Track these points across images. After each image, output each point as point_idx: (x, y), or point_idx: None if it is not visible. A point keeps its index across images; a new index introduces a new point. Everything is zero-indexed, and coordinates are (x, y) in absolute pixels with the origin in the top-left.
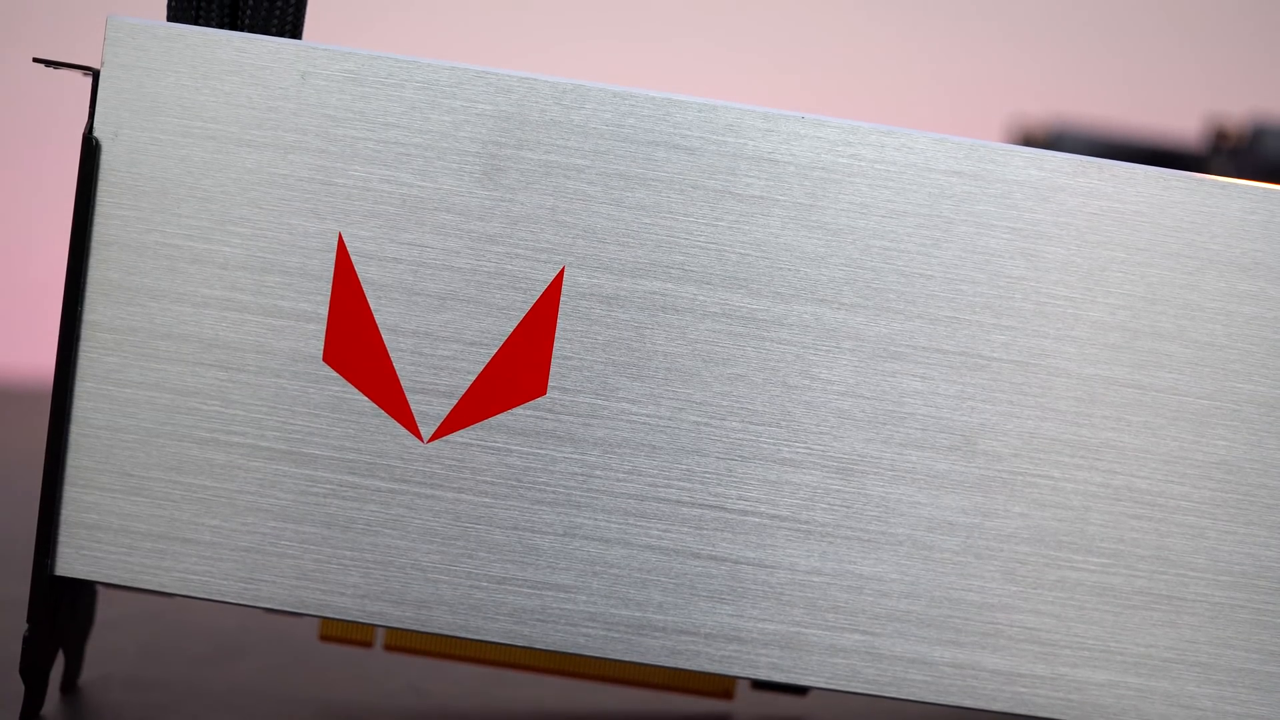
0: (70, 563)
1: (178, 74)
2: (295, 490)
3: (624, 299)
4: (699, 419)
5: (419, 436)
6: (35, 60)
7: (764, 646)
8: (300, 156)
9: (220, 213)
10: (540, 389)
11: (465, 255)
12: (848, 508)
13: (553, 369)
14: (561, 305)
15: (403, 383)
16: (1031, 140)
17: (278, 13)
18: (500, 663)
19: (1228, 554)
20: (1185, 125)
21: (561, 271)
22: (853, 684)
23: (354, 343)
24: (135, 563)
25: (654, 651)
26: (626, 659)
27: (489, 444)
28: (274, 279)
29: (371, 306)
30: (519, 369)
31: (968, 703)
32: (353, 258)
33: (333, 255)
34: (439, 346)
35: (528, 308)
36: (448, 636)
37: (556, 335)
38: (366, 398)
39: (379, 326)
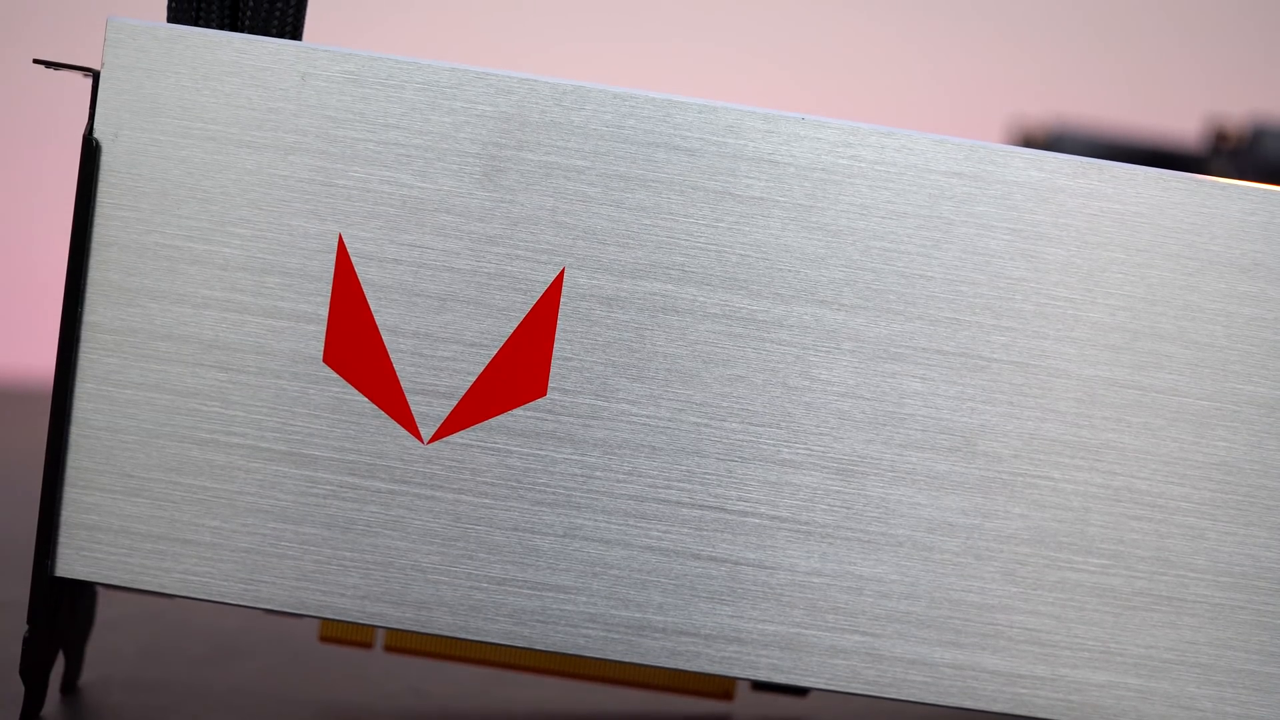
0: (70, 564)
1: (178, 75)
2: (295, 491)
3: (624, 300)
4: (699, 420)
5: (419, 438)
6: (35, 61)
7: (764, 647)
8: (300, 158)
9: (220, 214)
10: (540, 390)
11: (465, 256)
12: (848, 509)
13: (553, 370)
14: (561, 306)
15: (403, 384)
16: (1031, 141)
17: (278, 14)
18: (500, 664)
19: (1228, 555)
20: (1185, 126)
21: (561, 272)
22: (853, 685)
23: (354, 344)
24: (135, 564)
25: (654, 652)
26: (626, 660)
27: (489, 445)
28: (274, 280)
29: (372, 307)
30: (519, 370)
31: (968, 704)
32: (353, 259)
33: (333, 256)
34: (439, 347)
35: (528, 309)
36: (448, 637)
37: (556, 336)
38: (366, 399)
39: (379, 327)
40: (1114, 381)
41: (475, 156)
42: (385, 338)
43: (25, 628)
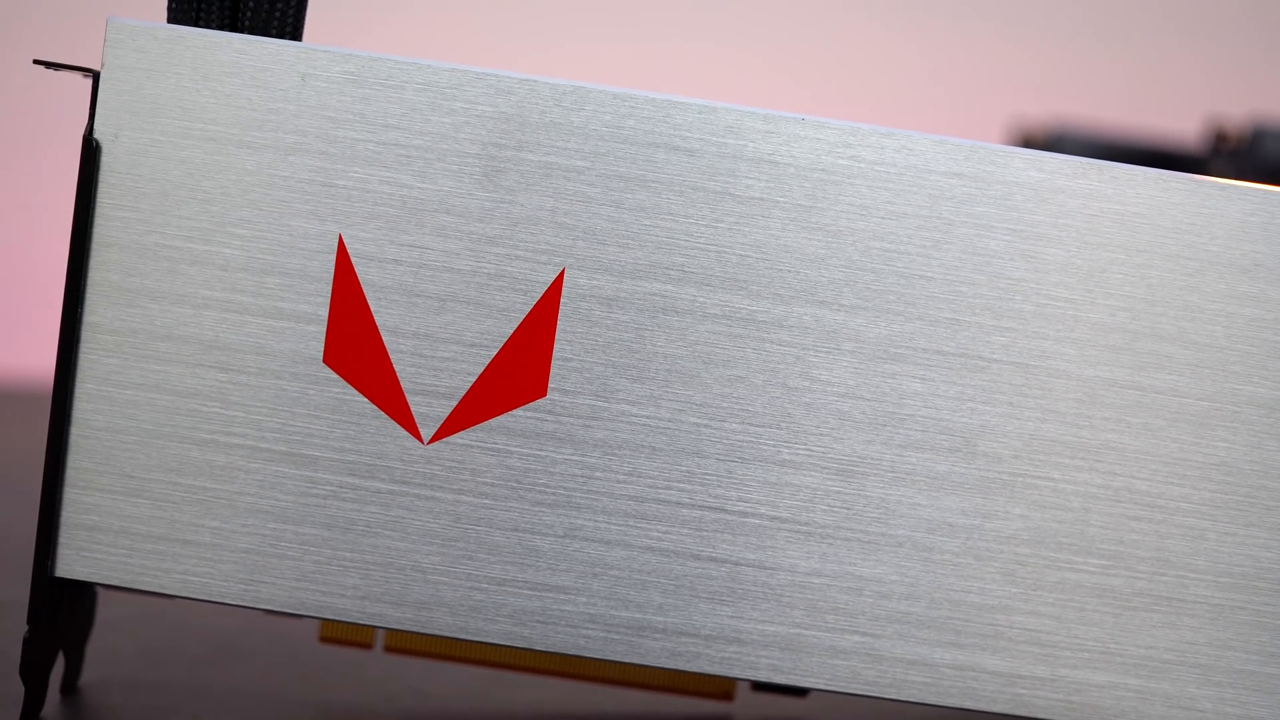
0: (70, 564)
1: (178, 76)
2: (295, 492)
3: (624, 300)
4: (699, 421)
5: (419, 438)
6: (35, 62)
7: (764, 648)
8: (300, 158)
9: (220, 214)
10: (540, 391)
11: (465, 257)
12: (848, 509)
13: (553, 371)
14: (561, 307)
15: (403, 384)
16: (1031, 141)
17: (278, 14)
18: (500, 664)
19: (1228, 555)
20: (1185, 126)
21: (561, 273)
22: (853, 686)
23: (354, 344)
24: (135, 564)
25: (654, 653)
26: (626, 660)
27: (489, 446)
28: (274, 281)
29: (372, 308)
30: (519, 371)
31: (968, 704)
32: (353, 259)
33: (333, 257)
34: (439, 348)
35: (528, 309)
36: (448, 638)
37: (556, 337)
38: (367, 399)
39: (379, 328)
40: (1114, 382)
41: (475, 157)
42: (385, 338)
43: (25, 628)
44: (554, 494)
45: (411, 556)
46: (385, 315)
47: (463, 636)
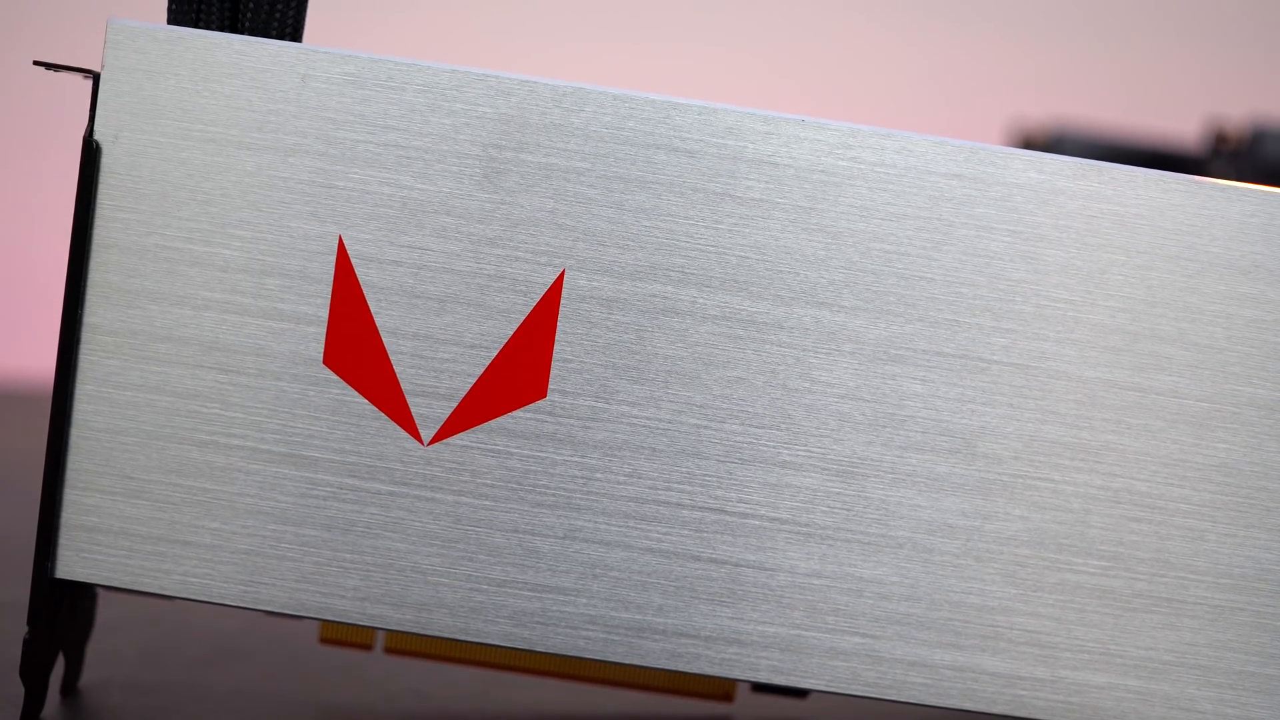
0: (70, 565)
1: (178, 77)
2: (295, 493)
3: (624, 302)
4: (699, 422)
5: (419, 439)
6: (36, 63)
7: (764, 649)
8: (300, 159)
9: (220, 216)
10: (540, 392)
11: (465, 258)
12: (848, 510)
13: (553, 372)
14: (561, 308)
15: (403, 385)
16: (1031, 142)
17: (278, 16)
18: (500, 665)
19: (1228, 557)
20: (1185, 127)
21: (561, 274)
22: (853, 687)
23: (354, 345)
24: (135, 565)
25: (654, 654)
26: (627, 662)
27: (489, 447)
28: (274, 282)
29: (372, 309)
30: (519, 372)
31: (968, 705)
32: (353, 260)
33: (333, 258)
34: (439, 349)
35: (528, 310)
36: (448, 639)
37: (556, 338)
38: (367, 400)
39: (379, 329)
40: (1114, 383)
41: (475, 158)
42: (385, 339)
43: (25, 629)
44: (554, 495)
45: (411, 558)
46: (385, 316)
47: (463, 638)
